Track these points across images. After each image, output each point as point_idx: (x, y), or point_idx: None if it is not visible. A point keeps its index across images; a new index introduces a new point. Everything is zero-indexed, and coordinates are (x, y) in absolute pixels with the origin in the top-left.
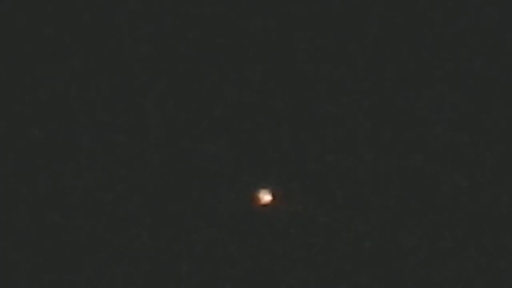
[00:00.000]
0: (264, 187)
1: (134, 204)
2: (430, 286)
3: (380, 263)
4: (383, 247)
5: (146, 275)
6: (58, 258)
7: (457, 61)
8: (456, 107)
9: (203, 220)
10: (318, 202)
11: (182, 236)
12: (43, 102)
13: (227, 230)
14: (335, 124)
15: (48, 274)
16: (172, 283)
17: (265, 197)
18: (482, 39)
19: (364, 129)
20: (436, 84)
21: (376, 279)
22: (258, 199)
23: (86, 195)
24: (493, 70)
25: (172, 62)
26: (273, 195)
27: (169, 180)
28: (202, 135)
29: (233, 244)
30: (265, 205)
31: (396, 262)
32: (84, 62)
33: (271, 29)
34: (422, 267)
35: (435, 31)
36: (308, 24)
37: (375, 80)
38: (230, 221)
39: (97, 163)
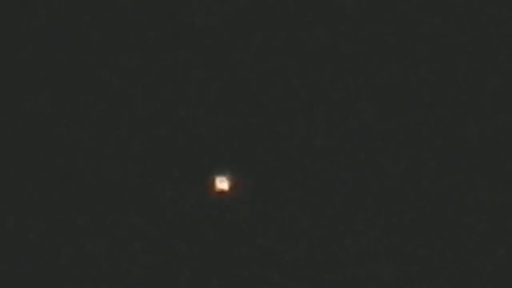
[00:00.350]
0: (220, 175)
1: (88, 194)
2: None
3: (335, 251)
4: (338, 234)
5: (101, 265)
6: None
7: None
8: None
9: (159, 208)
10: (273, 190)
11: (139, 224)
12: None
13: (183, 218)
14: (292, 113)
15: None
16: (128, 272)
17: (221, 185)
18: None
19: (319, 119)
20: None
21: (331, 266)
22: (214, 187)
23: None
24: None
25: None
26: (229, 183)
27: (127, 167)
28: (159, 122)
29: (190, 231)
30: (221, 193)
31: (348, 251)
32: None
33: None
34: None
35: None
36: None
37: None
38: (186, 209)
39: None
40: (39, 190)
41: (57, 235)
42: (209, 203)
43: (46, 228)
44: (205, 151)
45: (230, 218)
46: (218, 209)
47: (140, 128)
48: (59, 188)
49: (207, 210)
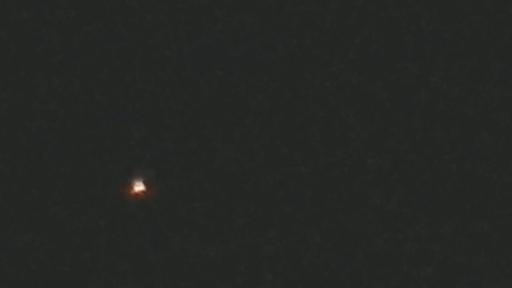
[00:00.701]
0: (136, 177)
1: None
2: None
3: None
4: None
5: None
6: None
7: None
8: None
9: (77, 208)
10: (190, 189)
11: (59, 224)
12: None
13: (100, 218)
14: (208, 114)
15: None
16: (48, 271)
17: (138, 186)
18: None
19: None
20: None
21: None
22: (130, 188)
23: None
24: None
25: None
26: (146, 184)
27: (46, 166)
28: (76, 126)
29: (106, 232)
30: (137, 194)
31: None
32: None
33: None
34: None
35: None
36: None
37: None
38: (103, 210)
39: None
40: None
41: None
42: (127, 204)
43: None
44: (123, 154)
45: (147, 219)
46: (135, 210)
47: (61, 129)
48: None
49: (124, 211)
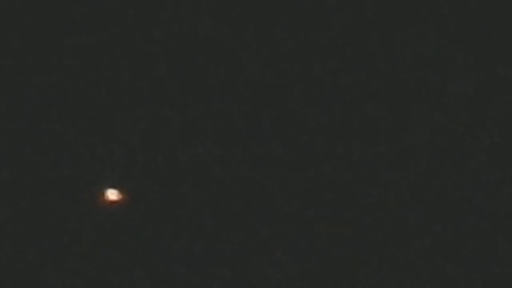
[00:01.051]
0: (111, 186)
1: None
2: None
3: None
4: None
5: None
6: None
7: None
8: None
9: (52, 220)
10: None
11: (32, 236)
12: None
13: (74, 228)
14: (185, 124)
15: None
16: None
17: (112, 195)
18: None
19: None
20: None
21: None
22: (105, 198)
23: None
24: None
25: None
26: (120, 194)
27: (18, 178)
28: (51, 135)
29: (81, 242)
30: (112, 204)
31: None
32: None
33: None
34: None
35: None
36: None
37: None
38: (77, 219)
39: None
40: None
41: None
42: (101, 214)
43: None
44: (96, 163)
45: (121, 228)
46: (109, 220)
47: (31, 139)
48: None
49: (99, 220)
